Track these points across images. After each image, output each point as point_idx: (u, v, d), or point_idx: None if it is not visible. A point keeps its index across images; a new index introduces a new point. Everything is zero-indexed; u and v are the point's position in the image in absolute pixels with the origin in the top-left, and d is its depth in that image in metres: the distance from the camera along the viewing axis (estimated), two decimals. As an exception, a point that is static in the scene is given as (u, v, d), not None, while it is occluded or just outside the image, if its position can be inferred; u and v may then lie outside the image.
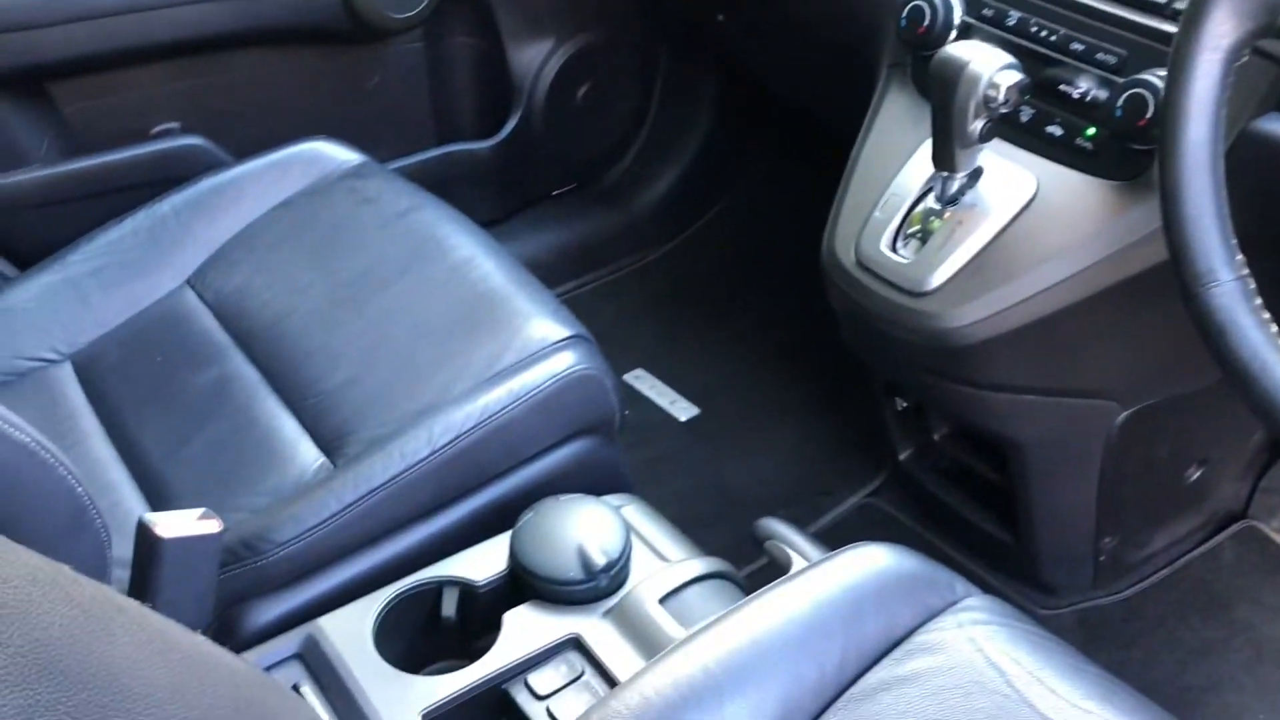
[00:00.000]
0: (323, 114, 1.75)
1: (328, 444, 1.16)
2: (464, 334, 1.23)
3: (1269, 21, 0.70)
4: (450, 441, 1.10)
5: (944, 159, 1.03)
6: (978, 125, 0.99)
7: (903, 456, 1.46)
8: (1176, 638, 1.37)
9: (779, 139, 2.15)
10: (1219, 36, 0.71)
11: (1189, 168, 0.72)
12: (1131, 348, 1.11)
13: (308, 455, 1.16)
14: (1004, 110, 0.98)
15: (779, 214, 2.15)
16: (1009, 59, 0.98)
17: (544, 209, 2.07)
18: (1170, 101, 0.74)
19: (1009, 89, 0.97)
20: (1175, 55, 0.75)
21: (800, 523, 1.56)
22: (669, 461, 1.70)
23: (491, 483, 1.15)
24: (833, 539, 1.54)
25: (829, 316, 1.22)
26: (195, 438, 1.20)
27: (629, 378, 1.85)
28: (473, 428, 1.12)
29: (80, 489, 0.87)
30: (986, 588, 1.41)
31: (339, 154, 1.51)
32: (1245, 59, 0.73)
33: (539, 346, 1.20)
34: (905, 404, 1.39)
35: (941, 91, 0.99)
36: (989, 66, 0.97)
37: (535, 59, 1.94)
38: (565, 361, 1.18)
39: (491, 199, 1.99)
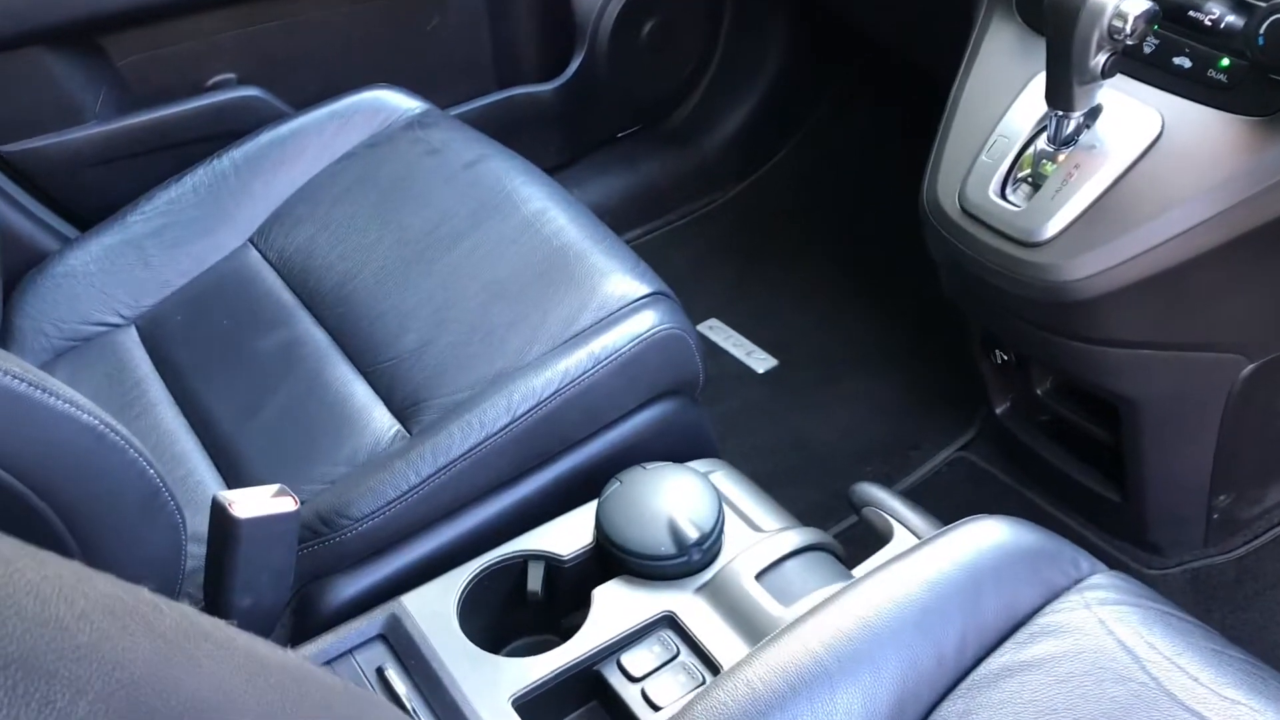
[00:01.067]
0: (381, 59, 1.69)
1: (401, 411, 1.12)
2: (539, 292, 1.17)
3: None
4: (531, 409, 1.05)
5: (1060, 97, 0.94)
6: (1100, 59, 0.91)
7: (999, 410, 1.39)
8: (1294, 600, 1.30)
9: (854, 74, 2.06)
10: None
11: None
12: (1266, 297, 1.03)
13: (382, 423, 1.11)
14: (1130, 43, 0.90)
15: (853, 152, 2.06)
16: (1136, -15, 0.89)
17: (609, 152, 2.00)
18: None
19: (1137, 18, 0.88)
20: None
21: (888, 480, 1.51)
22: (748, 415, 1.64)
23: (573, 449, 1.10)
24: (924, 496, 1.49)
25: (912, 261, 1.14)
26: (266, 405, 1.16)
27: (703, 328, 1.79)
28: (553, 394, 1.06)
29: (152, 470, 0.83)
30: (1091, 547, 1.37)
31: (401, 102, 1.46)
32: None
33: (619, 305, 1.14)
34: (1006, 357, 1.32)
35: (1060, 22, 0.90)
36: (1115, -6, 0.88)
37: (597, -2, 1.85)
38: (647, 321, 1.12)
39: (556, 143, 1.92)
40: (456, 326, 1.16)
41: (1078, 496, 1.35)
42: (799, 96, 2.10)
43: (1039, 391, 1.30)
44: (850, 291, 1.82)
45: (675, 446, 1.14)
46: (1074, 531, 1.38)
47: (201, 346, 1.24)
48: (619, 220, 1.97)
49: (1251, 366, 1.10)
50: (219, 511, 0.87)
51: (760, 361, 1.72)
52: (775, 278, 1.87)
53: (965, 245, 1.03)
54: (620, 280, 1.17)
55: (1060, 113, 0.96)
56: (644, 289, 1.16)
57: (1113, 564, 1.34)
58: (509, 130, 1.84)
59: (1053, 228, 0.96)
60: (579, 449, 1.10)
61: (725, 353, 1.74)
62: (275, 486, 0.90)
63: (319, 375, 1.17)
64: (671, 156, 2.04)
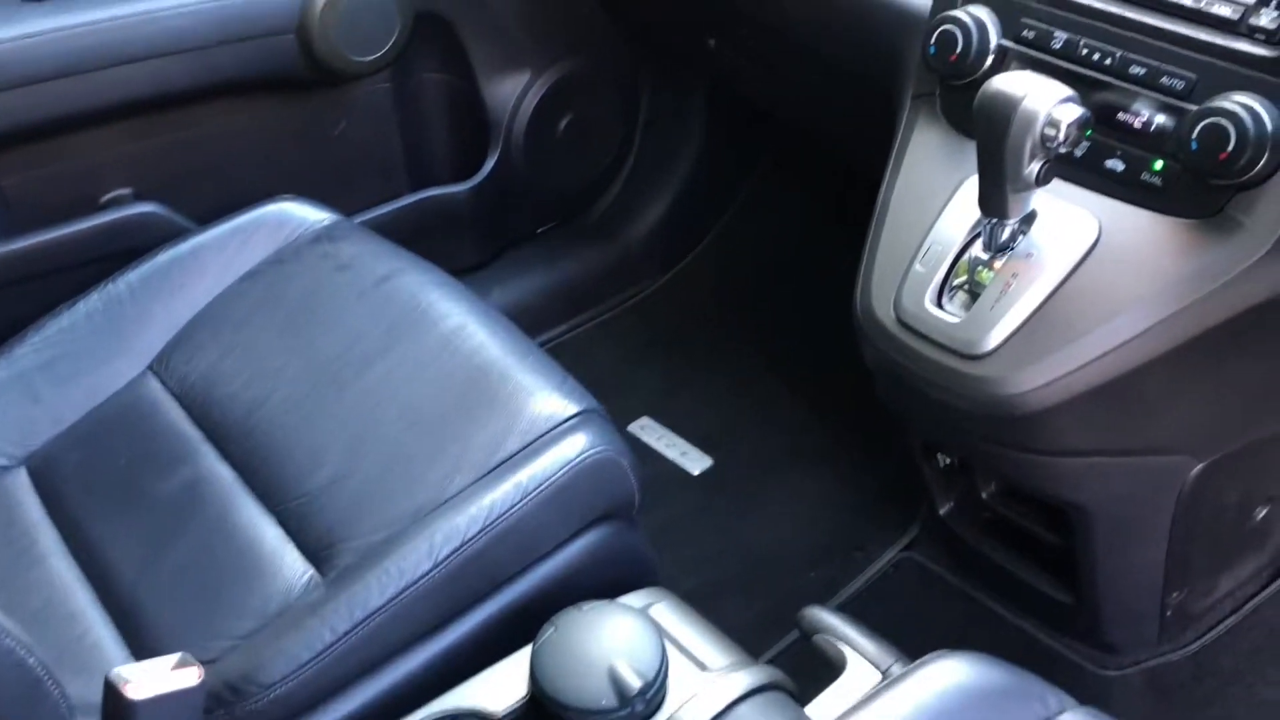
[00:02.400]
0: (287, 168, 1.62)
1: (315, 553, 1.04)
2: (460, 417, 1.11)
3: None
4: (454, 551, 0.98)
5: (994, 205, 0.91)
6: (1034, 167, 0.88)
7: (943, 511, 1.34)
8: (1254, 694, 1.26)
9: (776, 160, 2.04)
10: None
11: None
12: (1213, 399, 1.00)
13: (294, 568, 1.03)
14: (1063, 150, 0.87)
15: (781, 238, 2.04)
16: (1068, 91, 0.86)
17: (529, 249, 1.95)
18: None
19: (1070, 125, 0.86)
20: None
21: (834, 585, 1.46)
22: (685, 522, 1.58)
23: (502, 588, 1.03)
24: (872, 601, 1.44)
25: (846, 352, 1.10)
26: (168, 552, 1.08)
27: (634, 428, 1.73)
28: (479, 532, 0.99)
29: (33, 659, 0.75)
30: (1045, 650, 1.33)
31: (308, 213, 1.39)
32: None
33: (546, 427, 1.08)
34: (948, 461, 1.28)
35: (991, 131, 0.87)
36: (1046, 101, 0.85)
37: (512, 93, 1.81)
38: (577, 445, 1.06)
39: (472, 244, 1.87)
40: (372, 458, 1.09)
41: (1029, 598, 1.31)
42: (720, 183, 2.07)
43: (984, 495, 1.27)
44: (785, 383, 1.78)
45: (612, 576, 1.08)
46: (1027, 634, 1.33)
47: (98, 488, 1.16)
48: (542, 318, 1.92)
49: (1200, 466, 1.07)
50: (112, 692, 0.79)
51: (695, 462, 1.67)
52: (707, 371, 1.82)
53: (903, 357, 0.99)
54: (546, 399, 1.11)
55: (995, 220, 0.93)
56: (572, 407, 1.11)
57: (1068, 666, 1.30)
58: (424, 233, 1.79)
59: (994, 339, 0.93)
60: (508, 587, 1.03)
61: (659, 454, 1.68)
62: (176, 657, 0.81)
63: (225, 517, 1.09)
64: (593, 250, 2.00)
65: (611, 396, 1.75)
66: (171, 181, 1.52)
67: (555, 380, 1.14)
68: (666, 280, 2.02)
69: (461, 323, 1.20)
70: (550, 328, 1.92)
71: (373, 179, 1.75)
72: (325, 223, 1.39)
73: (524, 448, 1.06)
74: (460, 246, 1.86)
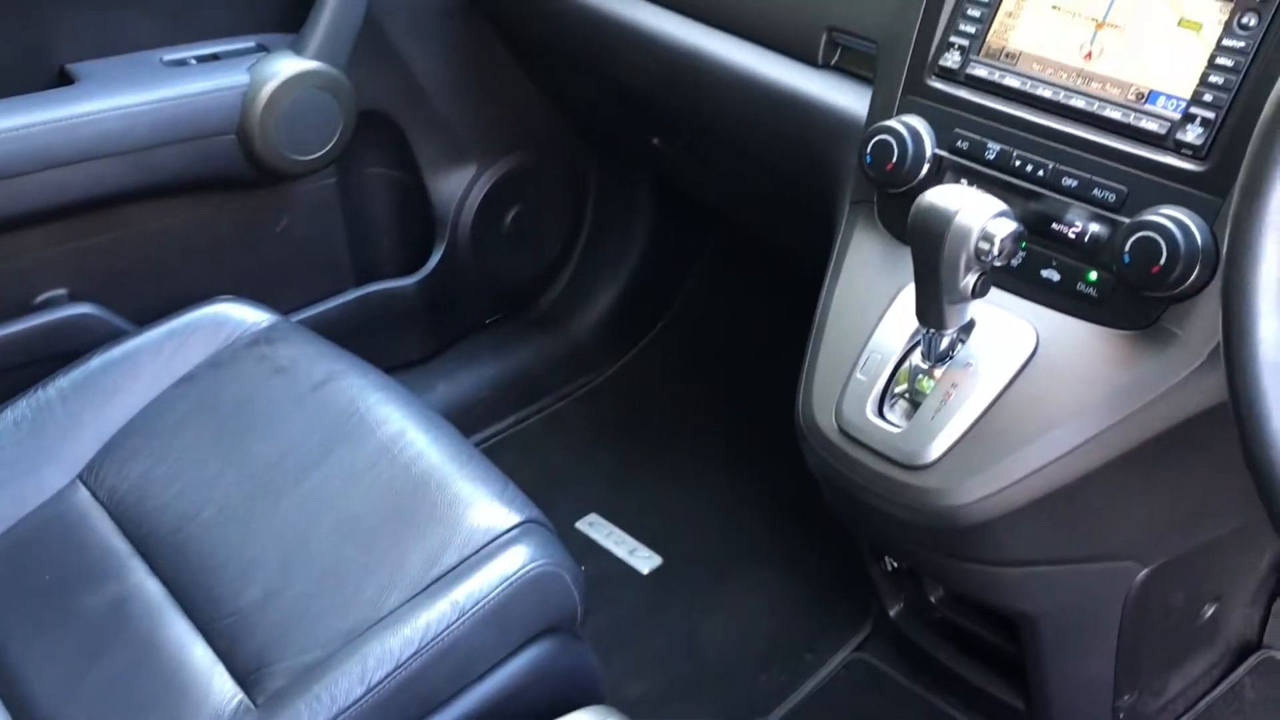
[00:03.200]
0: (228, 266, 1.61)
1: (245, 675, 1.00)
2: (398, 529, 1.08)
3: None
4: (388, 675, 0.95)
5: (932, 317, 0.91)
6: (969, 280, 0.88)
7: (892, 612, 1.33)
8: (1210, 798, 1.25)
9: (724, 253, 2.04)
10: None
11: (1268, 378, 0.60)
12: (1157, 507, 1.00)
13: (223, 691, 0.99)
14: (998, 264, 0.87)
15: (731, 329, 2.04)
16: (1001, 205, 0.86)
17: (477, 341, 1.94)
18: (1234, 295, 0.62)
19: (1004, 240, 0.86)
20: (1234, 236, 0.63)
21: (785, 688, 1.43)
22: (634, 623, 1.55)
23: (438, 711, 1.00)
24: (823, 704, 1.42)
25: (799, 450, 1.10)
26: (91, 674, 1.04)
27: (582, 524, 1.71)
28: (413, 655, 0.96)
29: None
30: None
31: (246, 315, 1.36)
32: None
33: (485, 540, 1.06)
34: (896, 564, 1.26)
35: (926, 245, 0.87)
36: (980, 216, 0.85)
37: (458, 187, 1.81)
38: (518, 559, 1.03)
39: (419, 337, 1.85)
40: (305, 573, 1.06)
41: (981, 701, 1.29)
42: (670, 271, 2.07)
43: (932, 599, 1.25)
44: (735, 478, 1.76)
45: (553, 694, 1.05)
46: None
47: (20, 606, 1.11)
48: (490, 412, 1.90)
49: (1146, 571, 1.06)
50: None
51: (644, 560, 1.64)
52: (656, 466, 1.80)
53: (845, 467, 0.98)
54: (487, 509, 1.09)
55: (933, 330, 0.92)
56: (513, 517, 1.08)
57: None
58: (370, 328, 1.77)
59: (936, 450, 0.92)
60: (444, 710, 1.00)
61: (607, 552, 1.66)
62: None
63: (152, 636, 1.05)
64: (542, 341, 1.99)
65: (559, 492, 1.75)
66: (109, 282, 1.50)
67: (496, 488, 1.12)
68: (615, 371, 2.01)
69: (400, 429, 1.18)
70: (497, 421, 1.90)
71: (317, 274, 1.73)
72: (264, 324, 1.36)
73: (462, 562, 1.04)
74: (406, 340, 1.84)
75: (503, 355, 1.94)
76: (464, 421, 1.81)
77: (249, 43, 1.53)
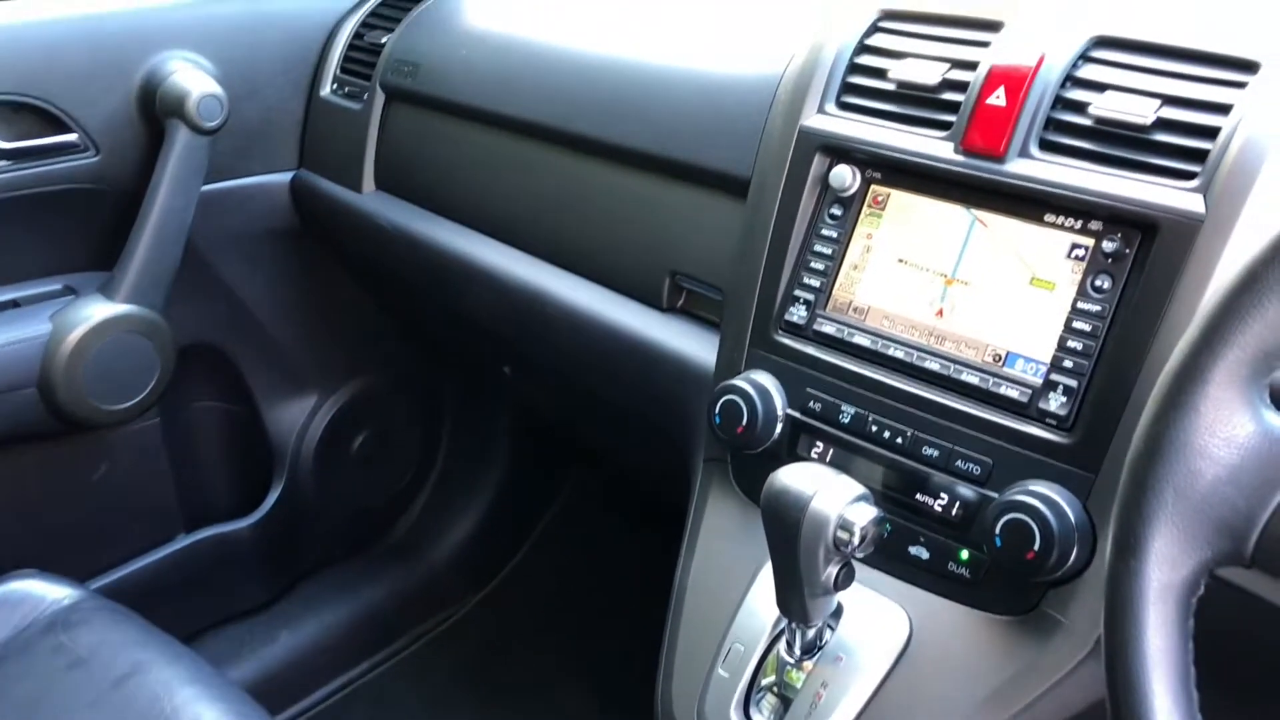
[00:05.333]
0: (36, 526, 1.45)
1: None
2: None
3: (1230, 547, 0.52)
4: None
5: (794, 610, 0.81)
6: (830, 572, 0.79)
7: None
8: None
9: (588, 477, 1.94)
10: (1166, 576, 0.52)
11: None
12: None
13: None
14: (860, 555, 0.78)
15: (591, 550, 1.92)
16: (859, 489, 0.78)
17: (323, 580, 1.79)
18: (1120, 671, 0.53)
19: (865, 528, 0.77)
20: (1112, 602, 0.55)
21: None
22: None
23: None
24: None
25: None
26: None
27: (441, 789, 1.54)
28: None
29: None
30: None
31: (47, 591, 1.22)
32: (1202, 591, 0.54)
33: None
34: None
35: (780, 532, 0.79)
36: (837, 502, 0.77)
37: (298, 416, 1.69)
38: None
39: (258, 582, 1.70)
40: None
41: None
42: (530, 494, 1.96)
43: None
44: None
45: None
46: None
47: None
48: (341, 658, 1.74)
49: None
50: None
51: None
52: (523, 713, 1.65)
53: (711, 775, 0.86)
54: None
55: (798, 624, 0.83)
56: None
57: None
58: (201, 578, 1.62)
59: (809, 761, 0.81)
60: None
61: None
62: None
63: None
64: (395, 575, 1.85)
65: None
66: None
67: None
68: (476, 603, 1.87)
69: (212, 734, 1.03)
70: (351, 667, 1.74)
71: (141, 523, 1.58)
72: (65, 602, 1.21)
73: None
74: (244, 587, 1.69)
75: (353, 594, 1.79)
76: (311, 673, 1.65)
77: (55, 285, 1.41)
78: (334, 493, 1.75)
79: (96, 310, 1.34)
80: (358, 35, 1.50)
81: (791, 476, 0.79)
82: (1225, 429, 0.50)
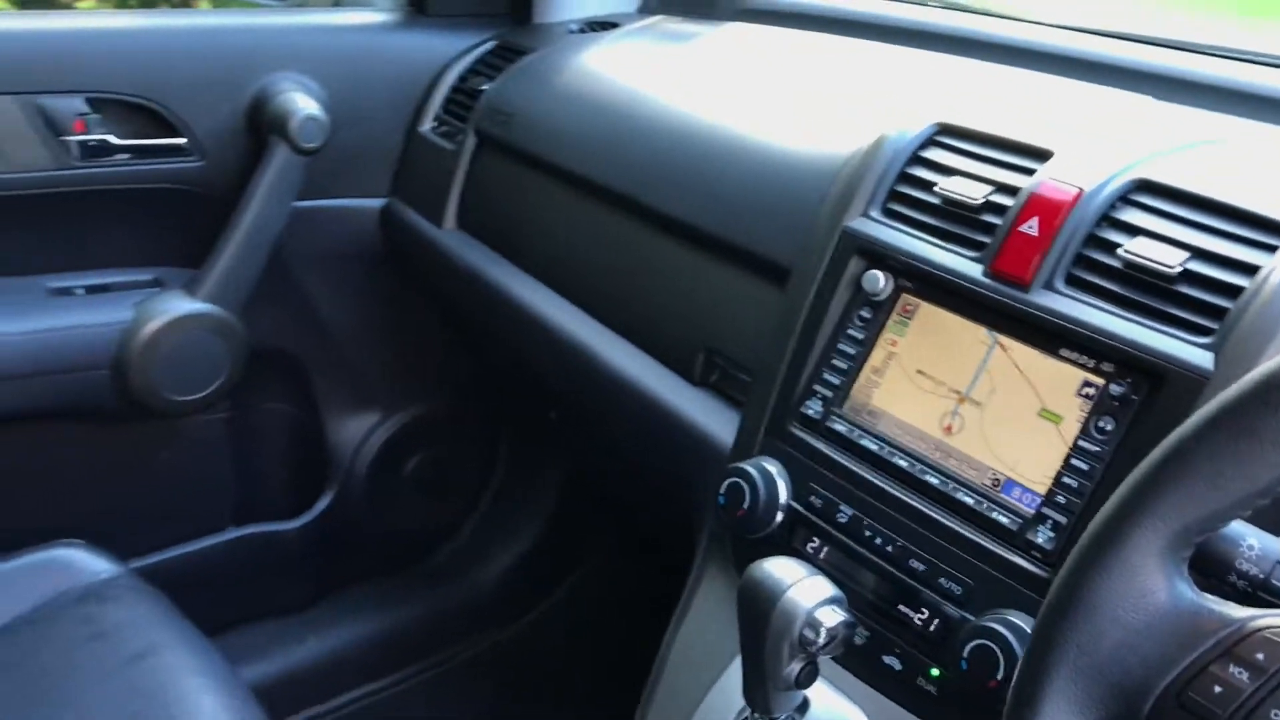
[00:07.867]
0: (92, 501, 1.52)
1: None
2: None
3: (1124, 712, 0.52)
4: None
5: (757, 700, 0.82)
6: (794, 668, 0.80)
7: None
8: None
9: (625, 537, 1.96)
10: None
11: None
12: None
13: None
14: (824, 656, 0.79)
15: (636, 589, 1.93)
16: (832, 591, 0.79)
17: (356, 594, 1.83)
18: None
19: (832, 629, 0.78)
20: None
21: None
22: None
23: None
24: None
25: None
26: None
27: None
28: None
29: None
30: None
31: (86, 563, 1.28)
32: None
33: None
34: None
35: (750, 620, 0.80)
36: (808, 598, 0.78)
37: (358, 430, 1.75)
38: None
39: (293, 584, 1.75)
40: None
41: None
42: (579, 530, 1.98)
43: None
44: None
45: None
46: None
47: None
48: (362, 672, 1.78)
49: None
50: None
51: None
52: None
53: None
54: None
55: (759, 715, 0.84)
56: None
57: None
58: (240, 573, 1.68)
59: None
60: None
61: None
62: None
63: None
64: (434, 596, 1.88)
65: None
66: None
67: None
68: (514, 631, 1.89)
69: (210, 722, 1.08)
70: (366, 683, 1.77)
71: (191, 510, 1.65)
72: (103, 576, 1.28)
73: None
74: (280, 587, 1.74)
75: (382, 611, 1.83)
76: (329, 682, 1.69)
77: (146, 275, 1.49)
78: (381, 509, 1.80)
79: (176, 305, 1.42)
80: (462, 79, 1.56)
81: (772, 567, 0.81)
82: (1136, 596, 0.51)
